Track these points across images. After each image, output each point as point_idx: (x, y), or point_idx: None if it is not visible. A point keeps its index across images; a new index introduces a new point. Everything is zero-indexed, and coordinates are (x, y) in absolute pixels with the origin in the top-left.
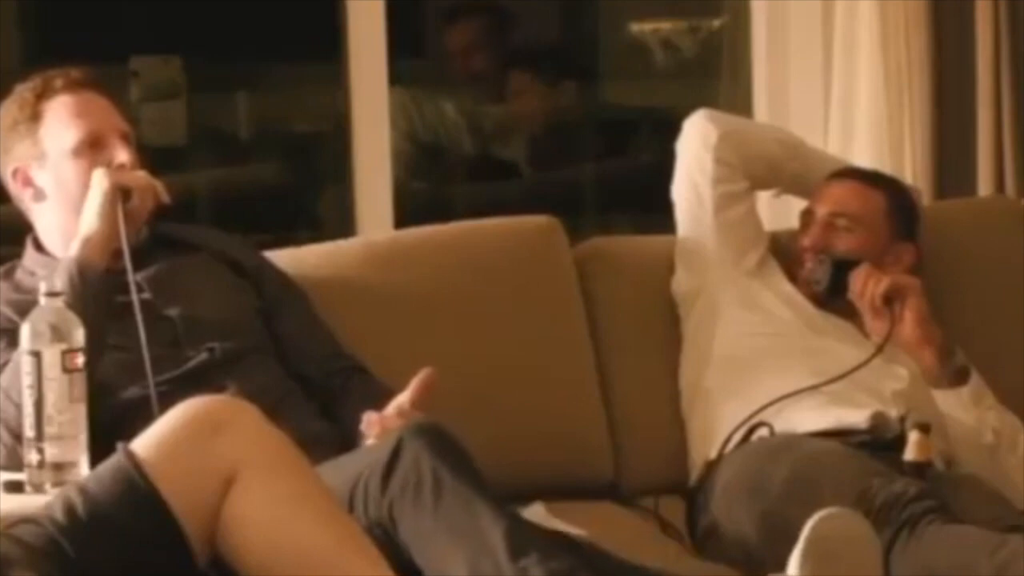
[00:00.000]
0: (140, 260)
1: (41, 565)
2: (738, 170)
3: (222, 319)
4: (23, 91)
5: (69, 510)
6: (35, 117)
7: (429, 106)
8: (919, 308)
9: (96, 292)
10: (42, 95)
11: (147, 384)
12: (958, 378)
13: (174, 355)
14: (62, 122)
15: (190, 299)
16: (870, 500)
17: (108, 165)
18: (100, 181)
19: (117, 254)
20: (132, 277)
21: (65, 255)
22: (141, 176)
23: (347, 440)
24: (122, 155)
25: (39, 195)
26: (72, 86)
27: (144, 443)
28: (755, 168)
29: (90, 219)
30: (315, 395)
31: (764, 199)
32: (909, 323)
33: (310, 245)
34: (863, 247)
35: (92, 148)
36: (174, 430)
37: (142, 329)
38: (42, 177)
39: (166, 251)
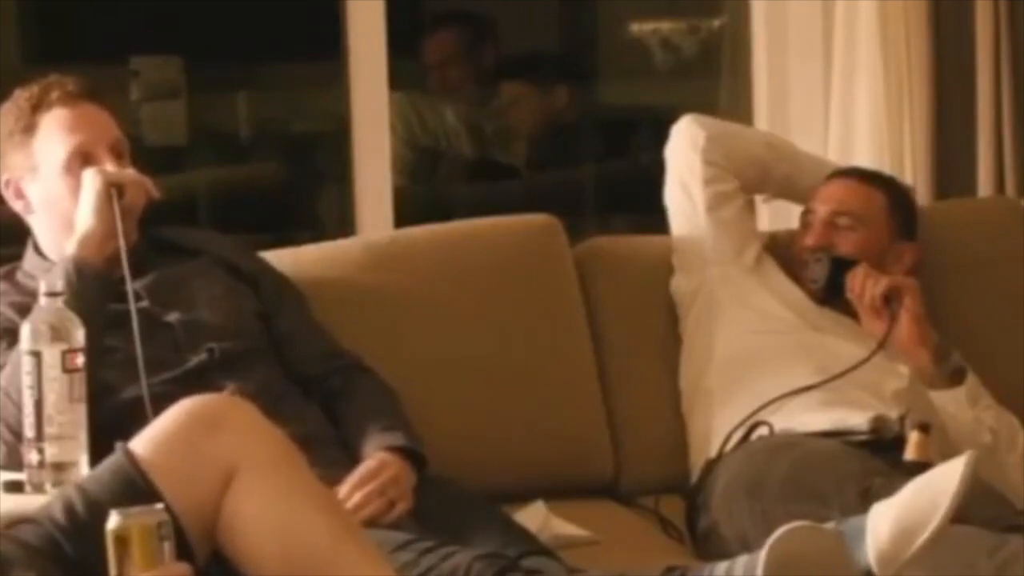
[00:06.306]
0: (139, 268)
1: (41, 565)
2: (727, 171)
3: (221, 323)
4: (20, 99)
5: (69, 509)
6: (29, 129)
7: (428, 110)
8: (915, 309)
9: (94, 290)
10: (37, 106)
11: (146, 384)
12: (954, 379)
13: (174, 359)
14: (54, 137)
15: (189, 305)
16: (871, 499)
17: None
18: (92, 180)
19: (115, 260)
20: (129, 280)
21: (62, 255)
22: (130, 172)
23: (347, 440)
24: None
25: (29, 208)
26: (67, 99)
27: (143, 442)
28: (744, 170)
29: (86, 218)
30: (315, 395)
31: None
32: (904, 324)
33: (310, 245)
34: (865, 246)
35: (83, 164)
36: (173, 429)
37: (138, 336)
38: (33, 190)
39: (164, 257)
